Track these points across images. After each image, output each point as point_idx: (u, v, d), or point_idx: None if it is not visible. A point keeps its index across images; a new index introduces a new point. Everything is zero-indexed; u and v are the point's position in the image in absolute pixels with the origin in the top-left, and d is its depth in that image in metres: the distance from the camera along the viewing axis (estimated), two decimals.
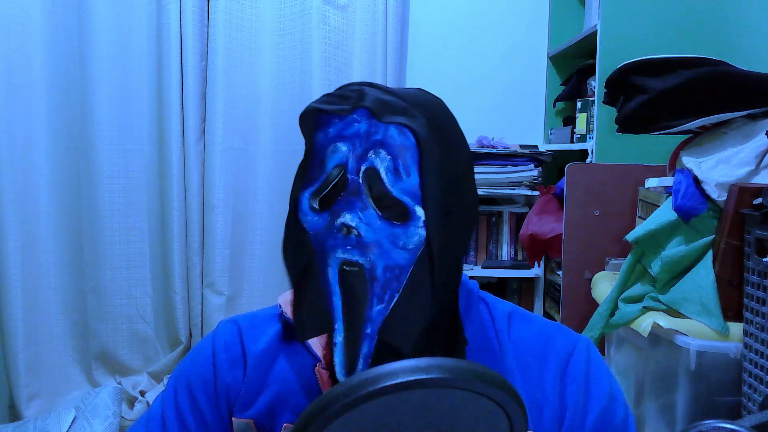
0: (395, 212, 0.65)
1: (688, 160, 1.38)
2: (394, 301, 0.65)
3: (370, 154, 0.65)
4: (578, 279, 1.80)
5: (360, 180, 0.65)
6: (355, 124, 0.66)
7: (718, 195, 1.29)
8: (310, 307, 0.66)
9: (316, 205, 0.68)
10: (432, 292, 0.65)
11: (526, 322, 0.77)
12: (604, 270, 1.72)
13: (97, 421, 2.02)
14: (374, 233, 0.64)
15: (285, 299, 0.79)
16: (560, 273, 1.91)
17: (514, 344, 0.74)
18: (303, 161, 0.70)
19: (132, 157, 2.29)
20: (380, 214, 0.65)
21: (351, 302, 0.64)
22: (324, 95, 0.70)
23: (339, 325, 0.65)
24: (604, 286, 1.56)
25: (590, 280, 1.71)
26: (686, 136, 1.51)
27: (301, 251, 0.68)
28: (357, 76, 2.38)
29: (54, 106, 2.17)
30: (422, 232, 0.65)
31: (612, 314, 1.42)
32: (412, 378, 0.44)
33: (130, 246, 2.31)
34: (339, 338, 0.65)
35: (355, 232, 0.64)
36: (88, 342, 2.30)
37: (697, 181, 1.34)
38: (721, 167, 1.30)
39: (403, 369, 0.44)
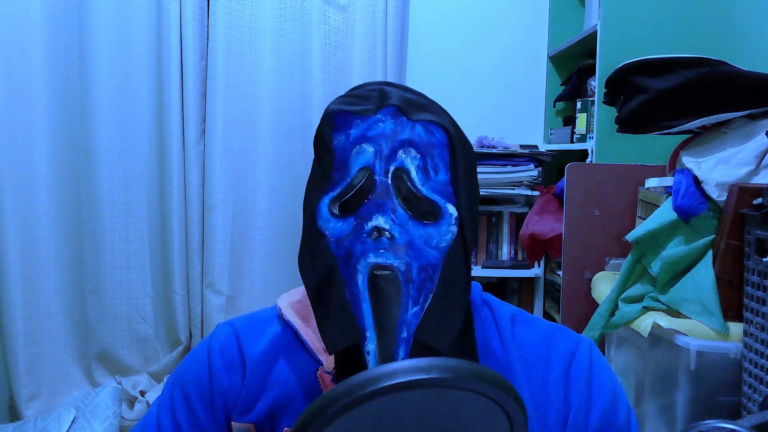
0: (425, 211, 0.64)
1: (688, 160, 1.38)
2: (429, 301, 0.63)
3: (400, 153, 0.64)
4: (578, 279, 1.80)
5: (389, 181, 0.64)
6: (380, 124, 0.65)
7: (718, 195, 1.29)
8: (338, 318, 0.63)
9: (336, 211, 0.65)
10: (465, 288, 0.66)
11: (528, 325, 0.76)
12: (604, 270, 1.72)
13: (97, 421, 2.02)
14: (407, 234, 0.63)
15: (285, 301, 0.78)
16: (560, 273, 1.91)
17: (517, 347, 0.73)
18: (317, 167, 0.68)
19: (132, 157, 2.29)
20: (410, 214, 0.64)
21: (382, 307, 0.62)
22: (340, 97, 0.68)
23: (371, 333, 0.62)
24: (604, 286, 1.56)
25: (590, 280, 1.71)
26: (686, 136, 1.51)
27: (321, 260, 0.65)
28: (357, 76, 2.38)
29: (54, 106, 2.17)
30: (454, 229, 0.65)
31: (612, 314, 1.42)
32: (412, 378, 0.44)
33: (130, 246, 2.31)
34: (372, 346, 0.62)
35: (387, 234, 0.62)
36: (88, 342, 2.30)
37: (697, 181, 1.34)
38: (721, 167, 1.30)
39: (403, 369, 0.44)
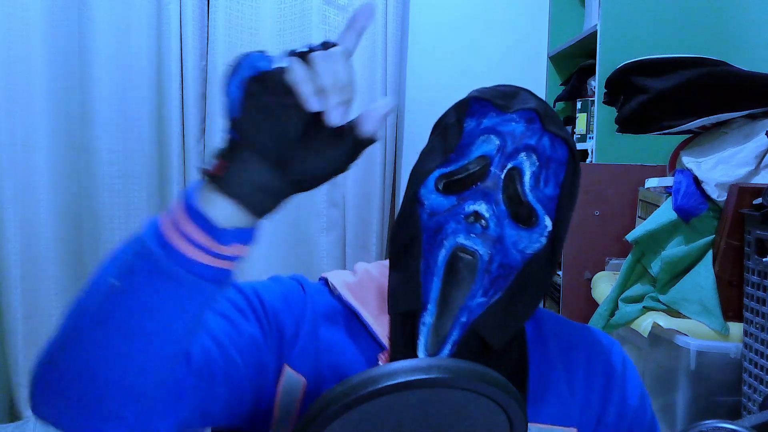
0: (522, 215, 0.66)
1: (688, 160, 1.38)
2: (497, 297, 0.66)
3: (522, 155, 0.67)
4: (578, 279, 1.80)
5: (502, 175, 0.66)
6: (513, 123, 0.67)
7: (718, 195, 1.29)
8: (407, 283, 0.66)
9: (441, 187, 0.67)
10: (536, 298, 0.67)
11: (557, 322, 0.78)
12: (604, 270, 1.71)
13: None
14: (500, 229, 0.65)
15: (339, 280, 0.73)
16: (560, 273, 1.91)
17: (560, 345, 0.74)
18: (438, 141, 0.70)
19: (132, 157, 2.29)
20: (509, 212, 0.66)
21: (451, 287, 0.64)
22: (483, 89, 0.71)
23: (432, 306, 0.64)
24: (604, 286, 1.56)
25: (590, 280, 1.71)
26: (686, 136, 1.51)
27: (410, 226, 0.68)
28: (357, 76, 2.37)
29: (54, 106, 2.17)
30: (544, 240, 0.67)
31: (612, 314, 1.42)
32: (412, 378, 0.44)
33: None
34: (429, 319, 0.64)
35: (483, 222, 0.64)
36: None
37: (697, 181, 1.34)
38: (721, 167, 1.30)
39: (404, 369, 0.44)
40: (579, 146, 2.23)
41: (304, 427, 0.44)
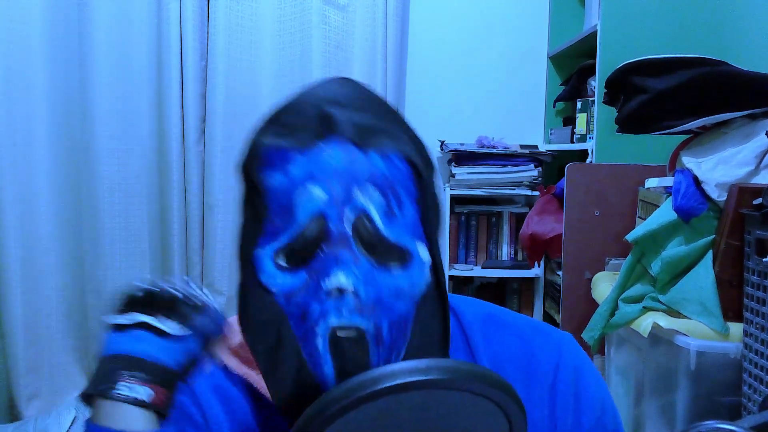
0: (392, 257, 0.54)
1: (688, 160, 1.38)
2: (401, 357, 0.54)
3: (357, 194, 0.53)
4: (578, 279, 1.80)
5: (347, 230, 0.52)
6: (327, 159, 0.53)
7: (718, 195, 1.29)
8: (294, 385, 0.53)
9: (283, 263, 0.54)
10: (442, 329, 0.57)
11: (503, 329, 0.67)
12: (604, 270, 1.71)
13: None
14: (374, 288, 0.52)
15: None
16: (560, 273, 1.91)
17: (491, 356, 0.65)
18: (250, 208, 0.56)
19: (132, 157, 2.29)
20: (374, 262, 0.53)
21: (348, 369, 0.51)
22: (268, 122, 0.57)
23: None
24: (604, 286, 1.56)
25: (590, 280, 1.71)
26: (686, 136, 1.50)
27: (270, 323, 0.54)
28: (357, 76, 2.37)
29: (54, 106, 2.17)
30: (428, 274, 0.55)
31: (612, 314, 1.42)
32: (411, 379, 0.44)
33: (129, 246, 2.31)
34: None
35: (351, 291, 0.51)
36: (88, 342, 2.30)
37: (697, 181, 1.34)
38: (721, 167, 1.30)
39: (402, 370, 0.44)
40: (579, 146, 2.23)
41: (303, 428, 0.44)
